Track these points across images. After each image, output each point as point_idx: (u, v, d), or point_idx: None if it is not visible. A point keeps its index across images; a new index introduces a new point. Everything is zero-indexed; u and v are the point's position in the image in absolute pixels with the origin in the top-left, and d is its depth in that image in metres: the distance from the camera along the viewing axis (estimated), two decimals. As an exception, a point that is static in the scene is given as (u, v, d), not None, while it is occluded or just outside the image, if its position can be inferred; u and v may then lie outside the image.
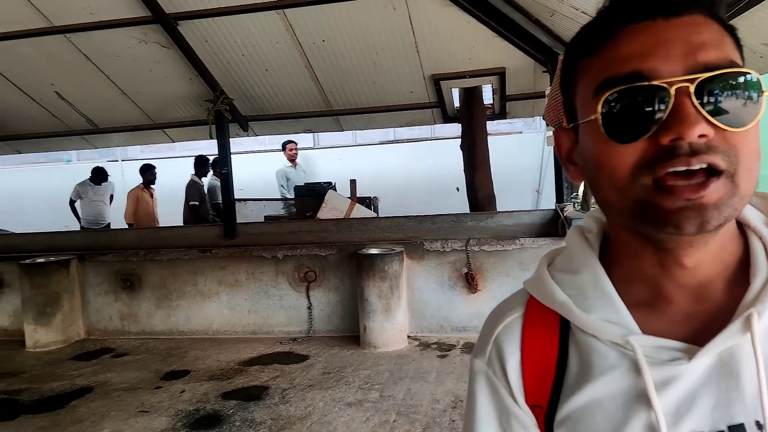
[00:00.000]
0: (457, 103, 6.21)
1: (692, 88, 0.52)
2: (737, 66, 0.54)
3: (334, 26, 5.03)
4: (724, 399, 0.58)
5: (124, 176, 9.50)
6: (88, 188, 7.86)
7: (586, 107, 0.59)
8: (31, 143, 6.92)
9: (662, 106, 0.53)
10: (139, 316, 5.57)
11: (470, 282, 5.00)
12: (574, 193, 9.77)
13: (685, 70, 0.53)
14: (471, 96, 6.02)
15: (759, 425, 0.56)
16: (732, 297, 0.59)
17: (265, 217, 6.70)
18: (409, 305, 5.03)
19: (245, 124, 6.21)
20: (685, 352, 0.59)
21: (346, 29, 5.05)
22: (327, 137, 9.29)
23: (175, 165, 8.18)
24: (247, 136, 6.45)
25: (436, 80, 5.64)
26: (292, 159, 8.05)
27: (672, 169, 0.52)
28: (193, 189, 7.41)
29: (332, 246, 5.25)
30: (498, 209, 6.18)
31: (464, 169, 6.29)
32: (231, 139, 6.00)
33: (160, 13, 4.81)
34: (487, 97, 6.17)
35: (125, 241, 6.02)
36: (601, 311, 0.62)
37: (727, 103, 0.53)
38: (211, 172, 7.81)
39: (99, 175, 7.90)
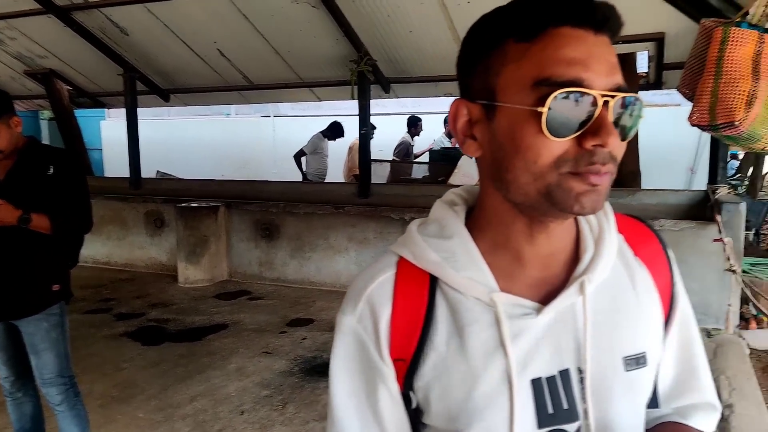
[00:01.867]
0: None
1: (612, 104, 0.62)
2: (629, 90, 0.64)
3: (482, -15, 4.78)
4: (558, 348, 0.70)
5: (275, 131, 10.02)
6: (324, 143, 7.99)
7: (518, 94, 0.63)
8: (195, 96, 7.54)
9: (591, 114, 0.62)
10: (274, 263, 5.92)
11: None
12: (738, 174, 8.60)
13: (607, 86, 0.62)
14: (623, 63, 5.40)
15: (580, 371, 0.70)
16: (569, 267, 0.73)
17: (401, 178, 6.74)
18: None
19: (387, 85, 6.21)
20: (534, 310, 0.70)
21: (496, -12, 4.78)
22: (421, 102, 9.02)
23: (322, 123, 8.43)
24: (389, 97, 6.45)
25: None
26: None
27: (587, 170, 0.62)
28: (401, 147, 7.55)
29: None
30: (643, 188, 5.65)
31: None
32: (374, 101, 6.05)
33: (311, -27, 4.90)
34: (643, 64, 5.56)
35: (269, 193, 6.39)
36: (469, 272, 0.71)
37: (626, 119, 0.65)
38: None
39: (337, 131, 7.96)
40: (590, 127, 0.61)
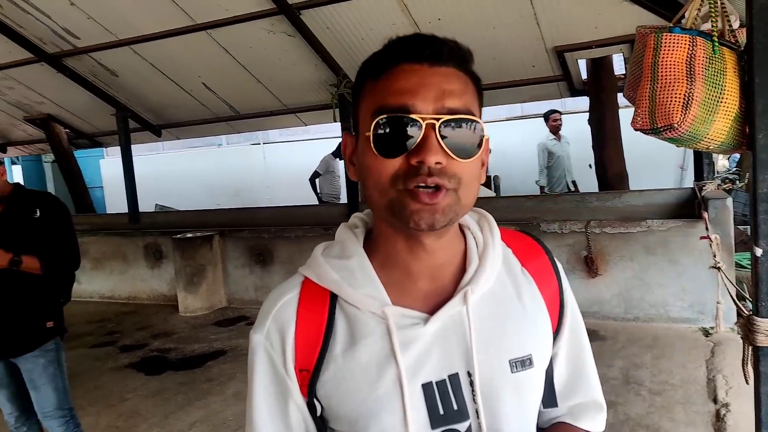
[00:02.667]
0: (585, 75, 5.83)
1: (437, 125, 0.70)
2: (471, 113, 0.74)
3: (448, 3, 4.97)
4: (447, 354, 0.78)
5: (266, 159, 10.25)
6: (335, 162, 7.96)
7: (364, 123, 0.75)
8: (186, 130, 7.75)
9: (415, 135, 0.71)
10: (270, 287, 6.02)
11: (590, 266, 4.74)
12: (734, 168, 8.61)
13: (435, 110, 0.71)
14: (599, 67, 5.62)
15: (469, 374, 0.78)
16: (456, 279, 0.81)
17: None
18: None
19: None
20: (422, 320, 0.78)
21: (461, 5, 4.96)
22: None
23: (310, 147, 8.62)
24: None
25: (560, 52, 5.33)
26: (555, 130, 7.20)
27: (416, 184, 0.71)
28: None
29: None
30: (631, 188, 5.75)
31: (592, 145, 5.91)
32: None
33: (283, 5, 5.09)
34: (619, 67, 5.70)
35: (261, 219, 6.56)
36: (365, 288, 0.79)
37: (459, 140, 0.72)
38: None
39: None
40: (414, 147, 0.70)
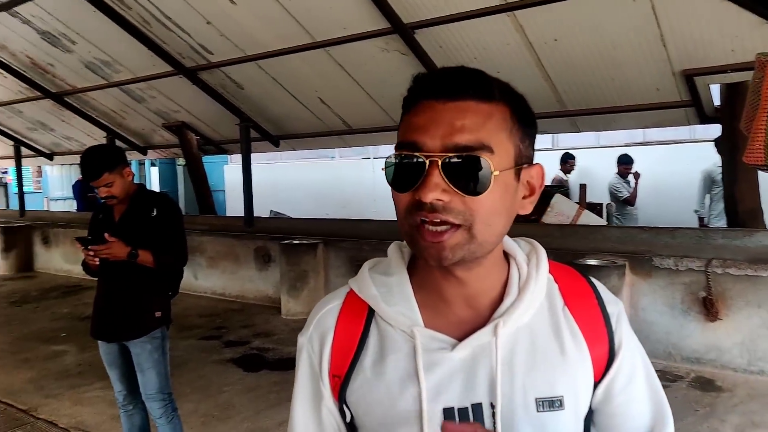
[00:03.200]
0: (717, 101, 5.39)
1: (440, 162, 0.70)
2: (487, 147, 0.71)
3: (566, 24, 4.82)
4: (472, 382, 0.77)
5: (375, 172, 10.45)
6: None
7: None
8: (301, 142, 8.12)
9: (420, 172, 0.71)
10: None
11: (709, 308, 4.32)
12: None
13: (441, 147, 0.71)
14: (734, 93, 5.15)
15: (492, 405, 0.77)
16: (493, 308, 0.80)
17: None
18: (632, 325, 4.58)
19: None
20: (450, 345, 0.78)
21: (579, 26, 4.80)
22: (566, 138, 8.85)
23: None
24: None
25: (689, 76, 4.98)
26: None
27: (420, 219, 0.72)
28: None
29: (550, 253, 5.04)
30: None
31: (722, 178, 5.44)
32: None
33: (399, 24, 5.21)
34: (757, 93, 5.22)
35: (365, 231, 6.69)
36: (400, 306, 0.81)
37: (466, 176, 0.70)
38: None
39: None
40: (417, 184, 0.71)
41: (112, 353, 2.89)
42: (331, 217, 8.20)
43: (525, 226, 5.87)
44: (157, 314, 2.88)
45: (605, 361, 0.82)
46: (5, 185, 14.74)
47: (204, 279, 7.67)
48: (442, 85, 0.74)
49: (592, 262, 4.58)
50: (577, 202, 6.03)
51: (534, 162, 0.80)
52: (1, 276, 9.70)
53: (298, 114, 7.33)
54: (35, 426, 3.87)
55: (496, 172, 0.71)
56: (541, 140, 8.90)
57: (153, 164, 16.67)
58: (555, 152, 8.41)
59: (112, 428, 3.69)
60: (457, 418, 0.77)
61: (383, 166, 0.76)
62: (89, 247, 2.69)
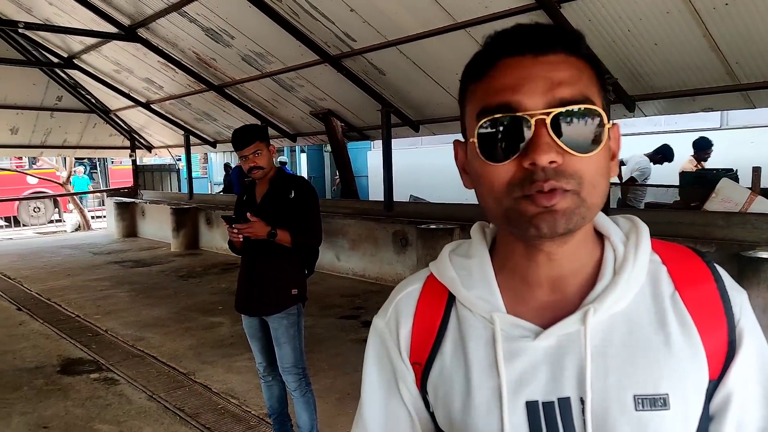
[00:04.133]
0: None
1: (548, 120, 0.63)
2: (589, 101, 0.65)
3: (740, -16, 4.23)
4: (558, 375, 0.69)
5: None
6: (650, 168, 7.10)
7: (471, 128, 0.69)
8: (441, 126, 8.05)
9: (525, 134, 0.64)
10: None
11: None
12: None
13: (544, 104, 0.64)
14: None
15: (582, 401, 0.68)
16: (583, 293, 0.71)
17: (645, 204, 6.19)
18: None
19: (632, 104, 5.82)
20: (533, 333, 0.71)
21: (757, -15, 4.18)
22: (738, 116, 7.78)
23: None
24: (633, 116, 6.04)
25: None
26: None
27: (534, 191, 0.64)
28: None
29: (713, 243, 4.52)
30: None
31: None
32: (617, 121, 5.71)
33: (543, -1, 4.92)
34: None
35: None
36: (479, 290, 0.75)
37: (576, 133, 0.64)
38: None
39: (668, 154, 7.07)
40: (524, 147, 0.64)
41: (253, 327, 3.08)
42: (469, 203, 8.07)
43: (683, 213, 5.30)
44: (294, 291, 3.01)
45: (723, 357, 0.70)
46: (178, 171, 16.50)
47: (346, 260, 7.97)
48: (528, 39, 0.67)
49: (764, 254, 4.00)
50: (748, 188, 5.30)
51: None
52: (173, 252, 10.90)
53: (438, 98, 7.27)
54: (192, 389, 4.27)
55: (609, 124, 0.66)
56: (707, 119, 7.92)
57: (302, 150, 17.66)
58: (724, 132, 7.43)
59: (256, 396, 3.96)
60: (541, 414, 0.69)
61: (473, 136, 0.68)
62: (233, 225, 2.87)
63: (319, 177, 17.15)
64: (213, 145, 12.60)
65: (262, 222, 2.88)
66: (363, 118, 8.81)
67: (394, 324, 0.81)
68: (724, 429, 0.69)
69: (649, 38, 5.00)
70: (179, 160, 15.43)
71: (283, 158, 17.18)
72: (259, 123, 10.06)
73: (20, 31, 9.88)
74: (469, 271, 0.77)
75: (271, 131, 10.12)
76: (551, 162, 0.63)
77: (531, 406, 0.69)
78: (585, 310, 0.69)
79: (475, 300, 0.75)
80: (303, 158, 17.94)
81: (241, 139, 2.90)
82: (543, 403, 0.69)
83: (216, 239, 10.74)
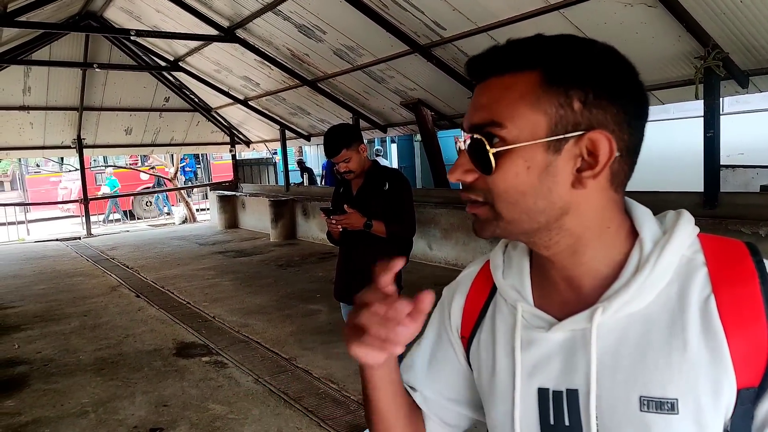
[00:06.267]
0: None
1: (464, 146, 0.72)
2: (495, 123, 0.68)
3: None
4: (570, 367, 0.74)
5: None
6: None
7: None
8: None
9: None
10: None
11: None
12: None
13: (467, 130, 0.72)
14: None
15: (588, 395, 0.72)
16: (603, 291, 0.73)
17: (761, 186, 5.72)
18: None
19: (745, 79, 5.39)
20: (548, 324, 0.76)
21: None
22: None
23: (670, 127, 7.75)
24: (747, 93, 5.58)
25: None
26: None
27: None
28: None
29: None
30: None
31: None
32: (731, 98, 5.33)
33: (644, -28, 4.66)
34: None
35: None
36: (513, 280, 0.82)
37: (474, 156, 0.70)
38: None
39: None
40: None
41: (351, 314, 3.18)
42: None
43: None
44: (390, 281, 3.07)
45: (764, 361, 0.65)
46: (274, 164, 17.19)
47: (438, 249, 7.99)
48: (473, 69, 0.74)
49: None
50: None
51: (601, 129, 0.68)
52: (272, 242, 11.40)
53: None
54: (294, 373, 4.48)
55: (496, 149, 0.68)
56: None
57: (393, 141, 17.80)
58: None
59: (355, 382, 4.09)
60: (551, 401, 0.75)
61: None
62: (331, 216, 2.98)
63: (409, 167, 17.23)
64: (307, 138, 13.00)
65: (358, 213, 2.96)
66: (453, 106, 8.76)
67: (453, 297, 0.91)
68: None
69: (763, 7, 4.60)
70: (275, 153, 16.05)
71: (378, 148, 17.42)
72: (351, 116, 10.27)
73: (132, 38, 10.68)
74: (510, 261, 0.84)
75: (362, 123, 10.29)
76: (459, 179, 0.73)
77: (542, 393, 0.76)
78: (594, 309, 0.72)
79: (508, 288, 0.81)
80: (393, 148, 18.09)
81: (328, 148, 2.98)
82: (553, 391, 0.75)
83: (312, 229, 11.11)
